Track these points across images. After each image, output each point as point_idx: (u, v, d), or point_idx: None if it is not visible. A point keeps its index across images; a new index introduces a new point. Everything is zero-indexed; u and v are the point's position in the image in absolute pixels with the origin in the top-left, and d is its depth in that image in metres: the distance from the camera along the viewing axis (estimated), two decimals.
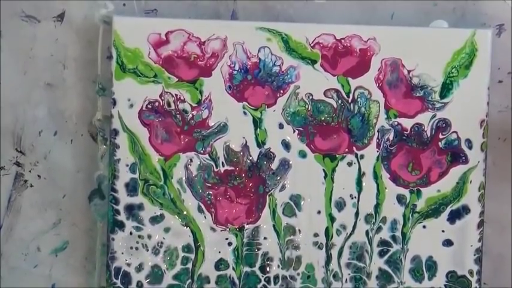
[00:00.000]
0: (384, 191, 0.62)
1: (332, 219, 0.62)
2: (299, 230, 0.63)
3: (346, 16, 0.64)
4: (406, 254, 0.63)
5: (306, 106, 0.62)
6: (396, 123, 0.62)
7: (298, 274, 0.63)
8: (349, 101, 0.62)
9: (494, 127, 0.63)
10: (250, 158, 0.62)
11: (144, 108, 0.62)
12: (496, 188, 0.64)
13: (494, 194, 0.64)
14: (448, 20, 0.63)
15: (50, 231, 0.65)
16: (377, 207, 0.62)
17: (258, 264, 0.63)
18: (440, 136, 0.62)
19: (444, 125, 0.62)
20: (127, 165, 0.62)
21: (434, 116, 0.62)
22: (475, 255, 0.62)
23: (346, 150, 0.62)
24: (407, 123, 0.62)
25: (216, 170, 0.62)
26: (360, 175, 0.62)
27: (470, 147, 0.62)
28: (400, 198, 0.62)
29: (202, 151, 0.62)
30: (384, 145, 0.62)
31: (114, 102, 0.61)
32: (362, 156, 0.62)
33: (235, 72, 0.62)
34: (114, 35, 0.61)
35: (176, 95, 0.62)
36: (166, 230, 0.62)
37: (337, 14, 0.64)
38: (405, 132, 0.62)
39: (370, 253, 0.63)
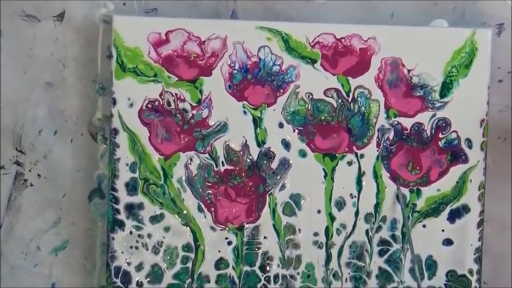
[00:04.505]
0: (383, 190, 0.62)
1: (332, 218, 0.62)
2: (299, 229, 0.63)
3: (346, 15, 0.64)
4: (406, 253, 0.63)
5: (306, 105, 0.62)
6: (396, 122, 0.62)
7: (298, 273, 0.63)
8: (349, 100, 0.62)
9: (494, 126, 0.63)
10: (250, 157, 0.62)
11: (144, 108, 0.62)
12: (496, 187, 0.64)
13: (494, 193, 0.64)
14: (448, 20, 0.63)
15: (50, 231, 0.65)
16: (377, 206, 0.63)
17: (258, 264, 0.63)
18: (440, 135, 0.62)
19: (444, 124, 0.62)
20: (127, 165, 0.62)
21: (434, 115, 0.62)
22: (475, 254, 0.62)
23: (346, 149, 0.62)
24: (407, 122, 0.62)
25: (216, 169, 0.62)
26: (360, 174, 0.62)
27: (470, 147, 0.62)
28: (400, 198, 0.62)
29: (202, 150, 0.62)
30: (383, 144, 0.62)
31: (114, 102, 0.62)
32: (362, 156, 0.62)
33: (235, 71, 0.62)
34: (114, 34, 0.61)
35: (176, 94, 0.62)
36: (166, 229, 0.62)
37: (337, 13, 0.64)
38: (405, 132, 0.62)
39: (370, 252, 0.63)
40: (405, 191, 0.62)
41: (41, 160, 0.65)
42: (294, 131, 0.62)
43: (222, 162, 0.62)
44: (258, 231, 0.63)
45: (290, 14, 0.64)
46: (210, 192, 0.62)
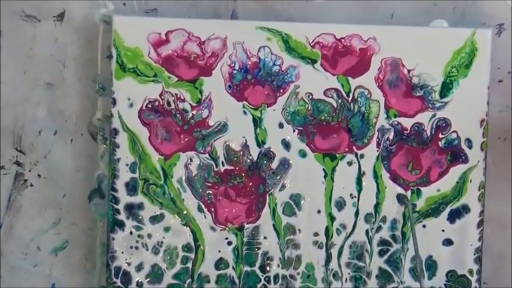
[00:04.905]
0: (383, 190, 0.62)
1: (332, 218, 0.62)
2: (299, 230, 0.63)
3: (346, 16, 0.64)
4: (406, 253, 0.63)
5: (306, 105, 0.62)
6: (396, 122, 0.62)
7: (298, 273, 0.63)
8: (349, 100, 0.62)
9: (494, 126, 0.63)
10: (250, 157, 0.62)
11: (144, 108, 0.62)
12: (496, 187, 0.64)
13: (494, 193, 0.64)
14: (448, 20, 0.63)
15: (49, 231, 0.65)
16: (377, 206, 0.62)
17: (258, 264, 0.63)
18: (440, 135, 0.62)
19: (444, 124, 0.62)
20: (127, 165, 0.62)
21: (434, 115, 0.62)
22: (475, 254, 0.62)
23: (346, 149, 0.62)
24: (407, 122, 0.62)
25: (216, 169, 0.62)
26: (360, 174, 0.62)
27: (470, 147, 0.62)
28: (400, 198, 0.62)
29: (202, 150, 0.62)
30: (383, 144, 0.62)
31: (114, 102, 0.62)
32: (362, 156, 0.62)
33: (235, 71, 0.62)
34: (114, 34, 0.61)
35: (176, 94, 0.62)
36: (166, 229, 0.62)
37: (337, 13, 0.64)
38: (405, 132, 0.62)
39: (370, 252, 0.63)
40: (406, 191, 0.63)
41: (41, 160, 0.65)
42: (294, 131, 0.62)
43: (222, 162, 0.62)
44: (258, 231, 0.63)
45: (290, 14, 0.64)
46: (210, 192, 0.62)
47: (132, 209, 0.62)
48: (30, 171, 0.65)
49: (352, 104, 0.62)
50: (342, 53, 0.62)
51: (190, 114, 0.62)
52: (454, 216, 0.62)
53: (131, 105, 0.62)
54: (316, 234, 0.63)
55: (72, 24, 0.64)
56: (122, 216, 0.62)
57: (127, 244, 0.62)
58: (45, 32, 0.64)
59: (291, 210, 0.62)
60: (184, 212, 0.62)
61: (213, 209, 0.62)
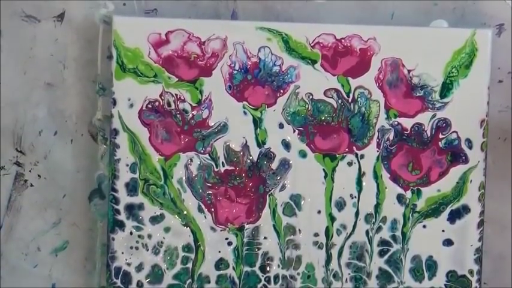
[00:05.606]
0: (384, 190, 0.62)
1: (332, 218, 0.62)
2: (299, 230, 0.63)
3: (346, 16, 0.64)
4: (406, 253, 0.63)
5: (306, 106, 0.62)
6: (396, 123, 0.62)
7: (298, 274, 0.63)
8: (349, 100, 0.62)
9: (494, 127, 0.63)
10: (251, 157, 0.62)
11: (144, 108, 0.62)
12: (496, 187, 0.64)
13: (494, 193, 0.64)
14: (448, 20, 0.63)
15: (50, 231, 0.65)
16: (377, 206, 0.63)
17: (258, 264, 0.63)
18: (441, 136, 0.62)
19: (444, 124, 0.62)
20: (127, 165, 0.62)
21: (434, 115, 0.62)
22: (475, 254, 0.62)
23: (346, 150, 0.62)
24: (407, 123, 0.62)
25: (216, 169, 0.62)
26: (360, 175, 0.62)
27: (470, 147, 0.62)
28: (400, 198, 0.62)
29: (202, 151, 0.62)
30: (384, 145, 0.62)
31: (114, 102, 0.62)
32: (362, 156, 0.62)
33: (235, 72, 0.62)
34: (114, 34, 0.61)
35: (176, 94, 0.62)
36: (167, 229, 0.62)
37: (337, 13, 0.64)
38: (405, 132, 0.62)
39: (370, 253, 0.63)
40: (406, 191, 0.63)
41: (41, 161, 0.65)
42: (294, 131, 0.62)
43: (222, 162, 0.62)
44: (258, 231, 0.63)
45: (290, 14, 0.64)
46: (210, 192, 0.62)
47: (132, 210, 0.62)
48: (30, 171, 0.65)
49: (352, 104, 0.62)
50: (342, 53, 0.62)
51: (191, 115, 0.62)
52: (454, 216, 0.62)
53: (131, 105, 0.62)
54: (316, 235, 0.63)
55: (72, 25, 0.64)
56: (122, 217, 0.62)
57: (127, 244, 0.62)
58: (45, 32, 0.64)
59: (291, 211, 0.63)
60: (185, 213, 0.62)
61: (213, 210, 0.62)
